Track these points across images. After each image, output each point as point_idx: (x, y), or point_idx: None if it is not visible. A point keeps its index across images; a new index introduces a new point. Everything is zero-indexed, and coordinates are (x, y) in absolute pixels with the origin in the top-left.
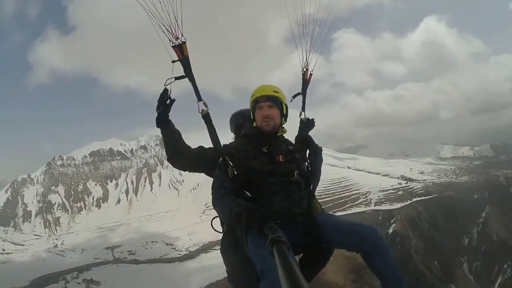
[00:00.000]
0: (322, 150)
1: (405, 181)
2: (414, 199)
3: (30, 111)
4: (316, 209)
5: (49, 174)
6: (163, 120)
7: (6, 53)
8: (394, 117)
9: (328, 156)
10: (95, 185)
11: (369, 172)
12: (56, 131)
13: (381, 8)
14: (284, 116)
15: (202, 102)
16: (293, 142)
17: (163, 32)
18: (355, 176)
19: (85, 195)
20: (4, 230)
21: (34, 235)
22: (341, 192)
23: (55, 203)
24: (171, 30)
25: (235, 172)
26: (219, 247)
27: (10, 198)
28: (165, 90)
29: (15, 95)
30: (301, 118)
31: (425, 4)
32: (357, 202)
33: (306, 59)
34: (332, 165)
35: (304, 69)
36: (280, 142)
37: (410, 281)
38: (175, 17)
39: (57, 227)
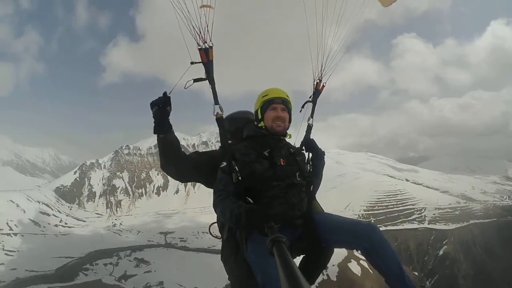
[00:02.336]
0: (325, 154)
1: (464, 201)
2: (471, 221)
3: (102, 104)
4: (317, 210)
5: (116, 161)
6: (165, 126)
7: (83, 55)
8: (461, 127)
9: (387, 166)
10: (157, 174)
11: (428, 187)
12: (125, 123)
13: (441, 13)
14: (289, 122)
15: (218, 105)
16: (297, 145)
17: (192, 34)
18: (412, 190)
19: (147, 183)
20: (69, 207)
21: (96, 213)
22: (395, 206)
23: (118, 187)
24: (200, 33)
25: (240, 178)
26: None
27: (77, 179)
28: (168, 98)
29: (91, 91)
30: (308, 123)
31: (490, 7)
32: (410, 218)
33: (321, 71)
34: (390, 176)
35: (317, 80)
36: (282, 145)
37: None
38: (206, 21)
39: (118, 208)
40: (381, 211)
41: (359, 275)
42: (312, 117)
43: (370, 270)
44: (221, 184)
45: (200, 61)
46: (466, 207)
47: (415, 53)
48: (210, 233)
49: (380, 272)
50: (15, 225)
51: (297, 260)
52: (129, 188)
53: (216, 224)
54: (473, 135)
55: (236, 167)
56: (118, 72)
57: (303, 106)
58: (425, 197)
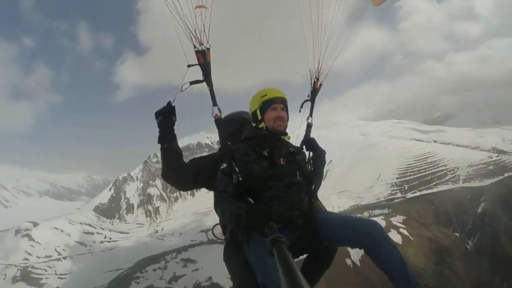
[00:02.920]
0: (325, 153)
1: (497, 154)
2: (506, 174)
3: (123, 120)
4: (319, 209)
5: (147, 171)
6: (170, 135)
7: (94, 78)
8: (483, 80)
9: (412, 130)
10: None
11: (458, 146)
12: (148, 133)
13: None
14: (288, 120)
15: (217, 107)
16: (298, 144)
17: (188, 36)
18: (442, 151)
19: None
20: (110, 222)
21: (137, 224)
22: (427, 169)
23: (154, 195)
24: (197, 35)
25: (240, 179)
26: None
27: (114, 194)
28: (173, 107)
29: (109, 110)
30: (308, 122)
31: None
32: (444, 180)
33: (318, 69)
34: (417, 140)
35: (315, 79)
36: (282, 144)
37: (496, 264)
38: (203, 23)
39: (157, 215)
40: (413, 176)
41: (400, 243)
42: (311, 116)
43: (411, 237)
44: (220, 186)
45: (197, 63)
46: (499, 160)
47: (421, 12)
48: (214, 235)
49: (383, 270)
50: (62, 249)
51: (300, 260)
52: (164, 194)
53: (219, 225)
54: (497, 86)
55: (236, 168)
56: (131, 87)
57: (301, 106)
58: (456, 156)
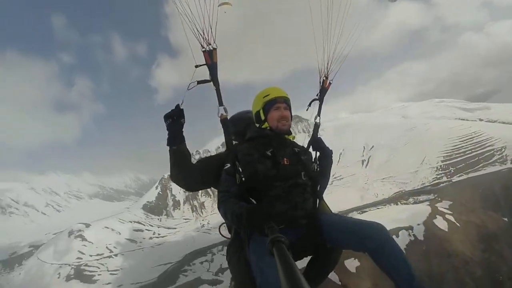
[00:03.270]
0: (332, 153)
1: None
2: None
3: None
4: (324, 211)
5: None
6: (178, 138)
7: (133, 84)
8: None
9: (457, 109)
10: None
11: (504, 123)
12: (189, 131)
13: None
14: (291, 119)
15: (223, 107)
16: (305, 145)
17: (196, 36)
18: (488, 130)
19: None
20: (158, 219)
21: (183, 219)
22: (473, 150)
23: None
24: (204, 35)
25: (243, 179)
26: None
27: (160, 192)
28: (182, 110)
29: (150, 112)
30: (315, 122)
31: None
32: (491, 161)
33: (327, 68)
34: (461, 119)
35: (324, 78)
36: (286, 144)
37: None
38: (209, 23)
39: (202, 210)
40: (459, 158)
41: (447, 230)
42: (319, 116)
43: (457, 224)
44: (223, 186)
45: (205, 63)
46: None
47: None
48: (220, 234)
49: (386, 273)
50: (114, 247)
51: (304, 260)
52: (208, 189)
53: (225, 224)
54: None
55: (239, 168)
56: (169, 88)
57: (309, 104)
58: (503, 135)
